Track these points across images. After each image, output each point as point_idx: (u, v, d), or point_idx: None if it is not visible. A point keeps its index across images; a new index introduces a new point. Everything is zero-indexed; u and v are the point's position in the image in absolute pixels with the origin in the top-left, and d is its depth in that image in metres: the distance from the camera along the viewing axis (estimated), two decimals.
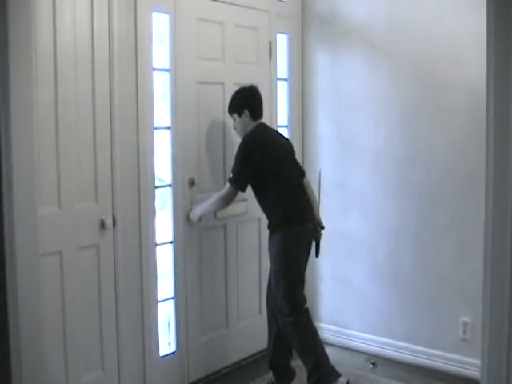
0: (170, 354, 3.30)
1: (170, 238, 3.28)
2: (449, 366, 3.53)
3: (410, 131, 3.66)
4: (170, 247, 3.29)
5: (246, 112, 3.25)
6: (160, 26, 3.22)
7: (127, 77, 2.96)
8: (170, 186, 3.27)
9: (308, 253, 3.28)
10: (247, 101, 3.28)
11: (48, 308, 2.59)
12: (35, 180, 2.42)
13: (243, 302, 3.75)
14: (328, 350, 3.21)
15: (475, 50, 3.11)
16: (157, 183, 3.21)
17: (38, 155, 2.45)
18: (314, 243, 3.29)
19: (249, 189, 3.20)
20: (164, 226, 3.29)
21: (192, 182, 3.35)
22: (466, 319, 3.45)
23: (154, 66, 3.13)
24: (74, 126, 2.74)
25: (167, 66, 3.22)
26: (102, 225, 2.86)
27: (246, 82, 3.38)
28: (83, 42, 2.76)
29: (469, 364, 3.39)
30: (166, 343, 3.36)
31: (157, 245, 3.19)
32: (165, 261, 3.29)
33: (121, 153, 2.94)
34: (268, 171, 3.15)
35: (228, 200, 3.20)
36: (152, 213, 3.13)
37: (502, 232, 1.94)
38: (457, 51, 3.40)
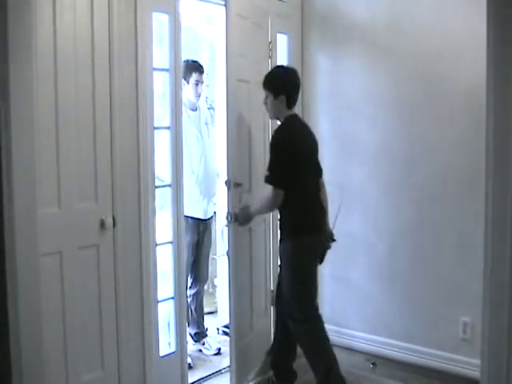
0: (169, 353, 3.29)
1: (170, 238, 3.28)
2: (449, 366, 3.53)
3: (409, 130, 3.66)
4: (170, 247, 3.28)
5: (283, 98, 3.11)
6: (160, 25, 3.21)
7: (127, 77, 2.96)
8: (169, 186, 3.27)
9: (319, 262, 3.25)
10: (288, 87, 3.13)
11: (48, 308, 2.58)
12: (35, 180, 2.42)
13: (259, 303, 3.74)
14: None
15: (475, 49, 3.10)
16: (157, 183, 3.20)
17: (38, 155, 2.45)
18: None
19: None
20: (164, 226, 3.28)
21: (238, 183, 3.29)
22: (466, 319, 3.45)
23: (155, 65, 3.12)
24: (73, 126, 2.73)
25: (167, 66, 3.22)
26: (102, 225, 2.85)
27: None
28: (83, 42, 2.75)
29: (469, 364, 3.39)
30: (166, 343, 3.36)
31: (157, 245, 3.18)
32: (165, 261, 3.29)
33: (121, 153, 2.94)
34: (292, 176, 3.06)
35: (276, 203, 3.09)
36: (152, 213, 3.12)
37: (501, 232, 1.94)
38: (457, 50, 3.40)
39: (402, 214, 3.71)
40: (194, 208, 3.82)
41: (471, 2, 3.30)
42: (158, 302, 3.21)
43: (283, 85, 3.13)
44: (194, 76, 3.83)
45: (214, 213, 4.48)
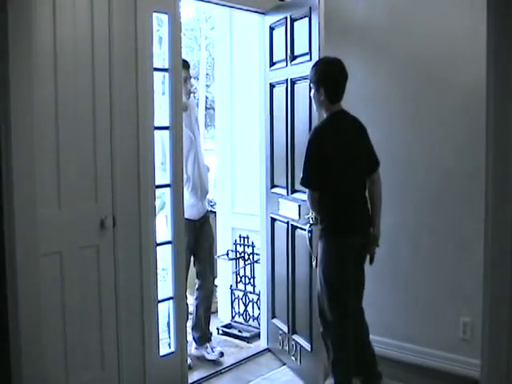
0: (169, 353, 3.30)
1: (169, 238, 3.27)
2: (449, 366, 3.52)
3: (409, 130, 3.65)
4: (169, 247, 3.28)
5: (322, 91, 2.95)
6: (160, 25, 3.22)
7: (127, 77, 2.96)
8: (169, 186, 3.26)
9: (356, 265, 3.11)
10: (326, 79, 2.96)
11: (48, 308, 2.59)
12: (35, 180, 2.43)
13: None
14: None
15: (475, 49, 3.10)
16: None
17: (38, 155, 2.46)
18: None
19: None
20: (163, 226, 3.29)
21: None
22: (466, 319, 3.45)
23: (155, 65, 3.12)
24: (73, 126, 2.73)
25: (167, 66, 3.21)
26: (102, 225, 2.86)
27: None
28: (83, 43, 2.76)
29: (469, 364, 3.38)
30: (166, 343, 3.36)
31: (157, 245, 3.18)
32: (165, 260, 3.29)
33: (121, 153, 2.94)
34: (323, 177, 2.97)
35: (312, 203, 3.03)
36: (152, 213, 3.12)
37: (501, 232, 1.94)
38: (457, 50, 3.40)
39: (402, 214, 3.70)
40: (190, 211, 3.75)
41: (471, 2, 3.30)
42: (158, 301, 3.21)
43: (320, 77, 2.96)
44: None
45: (213, 212, 4.46)
